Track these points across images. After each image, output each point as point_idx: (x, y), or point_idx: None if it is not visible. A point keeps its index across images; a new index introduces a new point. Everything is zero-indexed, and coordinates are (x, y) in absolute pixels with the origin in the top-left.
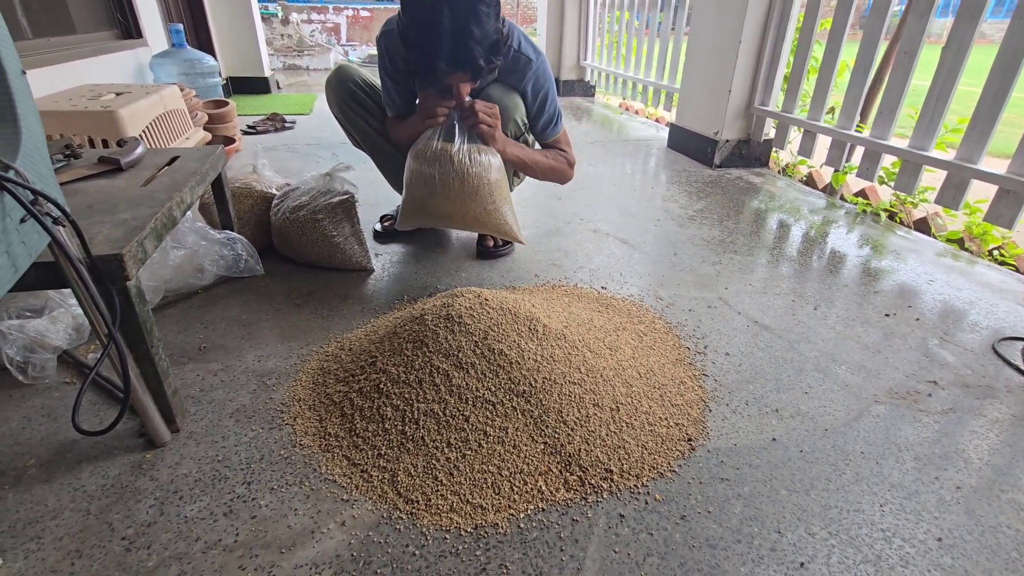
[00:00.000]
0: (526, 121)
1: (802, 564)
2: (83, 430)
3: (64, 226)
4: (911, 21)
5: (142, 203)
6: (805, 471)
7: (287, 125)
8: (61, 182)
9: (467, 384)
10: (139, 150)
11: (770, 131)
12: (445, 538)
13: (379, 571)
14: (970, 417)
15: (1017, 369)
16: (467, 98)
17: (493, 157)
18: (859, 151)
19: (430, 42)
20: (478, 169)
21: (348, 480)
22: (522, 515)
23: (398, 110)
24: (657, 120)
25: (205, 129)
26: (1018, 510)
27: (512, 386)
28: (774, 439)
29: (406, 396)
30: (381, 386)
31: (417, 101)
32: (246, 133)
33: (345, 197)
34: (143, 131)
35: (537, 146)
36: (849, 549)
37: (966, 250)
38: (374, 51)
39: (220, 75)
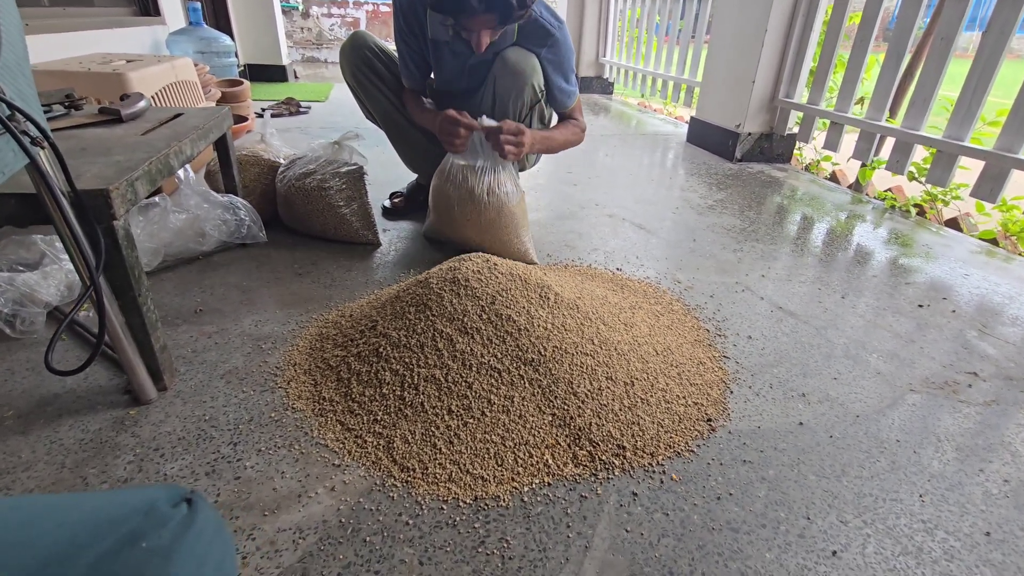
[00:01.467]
0: (543, 88)
1: (834, 552)
2: (54, 368)
3: (43, 147)
4: (948, 7)
5: (138, 148)
6: (836, 457)
7: (302, 110)
8: (57, 127)
9: (472, 350)
10: (141, 104)
11: (794, 126)
12: (442, 508)
13: (368, 539)
14: (1015, 410)
15: None
16: (489, 121)
17: (510, 184)
18: (888, 145)
19: None
20: (496, 202)
21: (341, 445)
22: (526, 489)
23: (414, 81)
24: (676, 118)
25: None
26: None
27: (520, 353)
28: (801, 423)
29: (406, 360)
30: (380, 350)
31: (438, 121)
32: (260, 116)
33: (354, 168)
34: (152, 97)
35: (553, 120)
36: (886, 539)
37: (1001, 248)
38: (393, 46)
39: (236, 56)
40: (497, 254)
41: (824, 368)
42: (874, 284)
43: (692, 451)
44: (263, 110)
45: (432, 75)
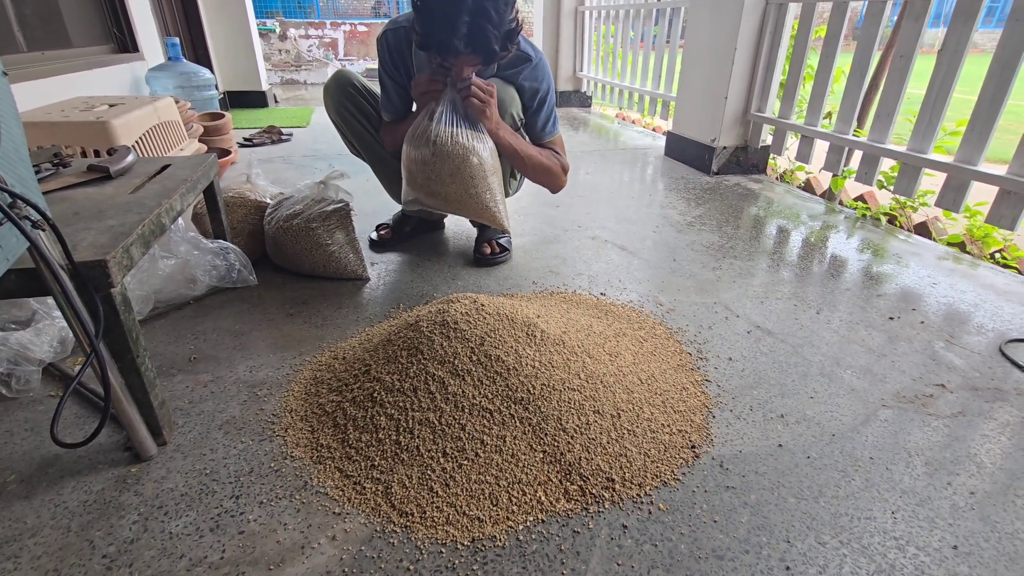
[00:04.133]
0: (522, 117)
1: (814, 575)
2: (62, 442)
3: (44, 230)
4: (906, 26)
5: (130, 210)
6: (813, 478)
7: (284, 137)
8: (48, 190)
9: (463, 391)
10: (129, 158)
11: (767, 137)
12: (441, 552)
13: None
14: (980, 420)
15: None
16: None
17: (477, 141)
18: (857, 155)
19: (449, 17)
20: (459, 151)
21: (340, 493)
22: (521, 527)
23: (396, 113)
24: (654, 130)
25: (201, 141)
26: None
27: (510, 393)
28: (780, 445)
29: (400, 405)
30: (375, 395)
31: (412, 82)
32: (243, 146)
33: (340, 205)
34: (136, 142)
35: None
36: (862, 559)
37: (968, 253)
38: (372, 65)
39: (217, 88)
40: (466, 211)
41: (801, 387)
42: (847, 298)
43: (678, 479)
44: (245, 139)
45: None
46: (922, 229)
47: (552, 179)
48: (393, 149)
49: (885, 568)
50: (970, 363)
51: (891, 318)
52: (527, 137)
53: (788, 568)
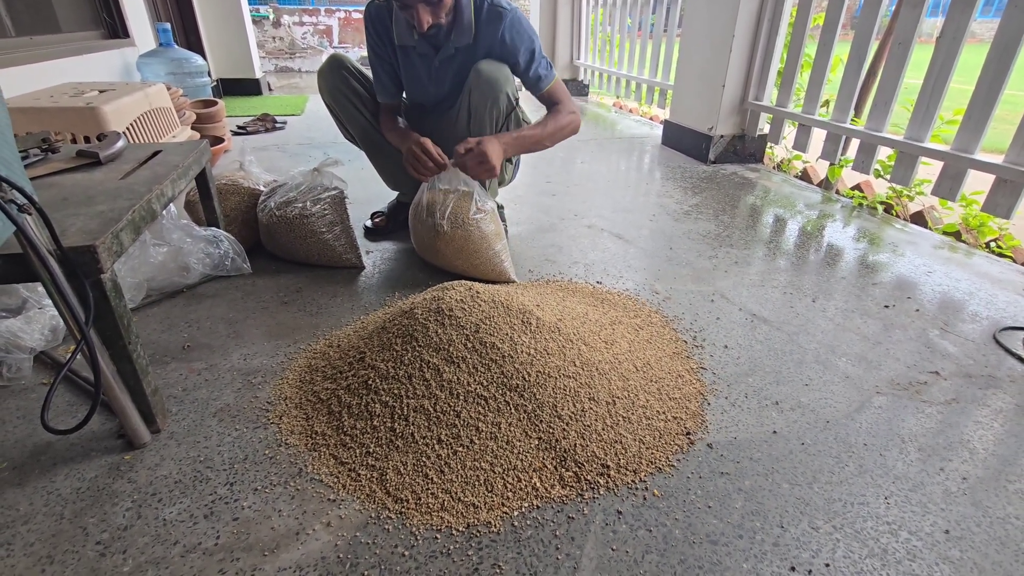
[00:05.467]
0: (517, 96)
1: (807, 559)
2: (53, 428)
3: (30, 214)
4: (904, 13)
5: (120, 195)
6: (807, 464)
7: (278, 125)
8: (36, 176)
9: (458, 379)
10: (119, 144)
11: (765, 126)
12: (436, 538)
13: (366, 573)
14: (973, 407)
15: (1019, 358)
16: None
17: (477, 210)
18: (855, 144)
19: None
20: (463, 232)
21: (335, 479)
22: (516, 513)
23: (388, 95)
24: (651, 118)
25: (193, 129)
26: None
27: (505, 380)
28: (775, 432)
29: (395, 392)
30: (370, 382)
31: (405, 147)
32: (236, 134)
33: (334, 193)
34: (127, 128)
35: (530, 122)
36: (854, 543)
37: (963, 242)
38: (366, 53)
39: (209, 75)
40: (475, 275)
41: (796, 375)
42: (843, 286)
43: (672, 466)
44: (239, 127)
45: (404, 89)
46: (918, 218)
47: (566, 133)
48: (389, 136)
49: (877, 552)
50: (964, 351)
51: (886, 306)
52: (524, 115)
53: (783, 554)
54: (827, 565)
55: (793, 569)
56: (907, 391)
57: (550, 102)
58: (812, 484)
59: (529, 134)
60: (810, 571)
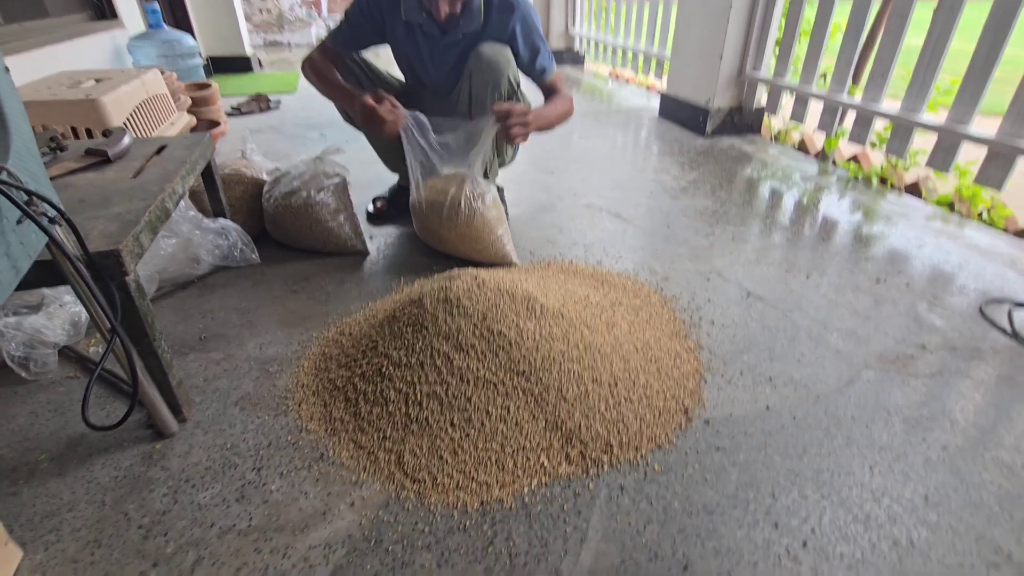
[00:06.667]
0: (518, 79)
1: (796, 526)
2: (94, 425)
3: (60, 224)
4: None
5: (134, 196)
6: (798, 437)
7: (272, 105)
8: (51, 177)
9: (468, 365)
10: (126, 140)
11: (762, 98)
12: (452, 515)
13: (390, 548)
14: (957, 379)
15: (1003, 331)
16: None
17: (479, 202)
18: (851, 115)
19: None
20: (464, 216)
21: (356, 463)
22: (526, 490)
23: (343, 44)
24: (648, 88)
25: (189, 113)
26: (1001, 467)
27: (512, 366)
28: (768, 407)
29: (408, 379)
30: (383, 370)
31: (357, 106)
32: (231, 115)
33: (337, 181)
34: (127, 118)
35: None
36: (840, 510)
37: (956, 212)
38: (347, 8)
39: (200, 56)
40: (478, 259)
41: (789, 351)
42: (837, 261)
43: (672, 442)
44: (233, 107)
45: (403, 66)
46: (914, 188)
47: (567, 119)
48: (308, 74)
49: (861, 518)
50: (951, 324)
51: (878, 281)
52: (523, 99)
53: (775, 522)
54: (813, 531)
55: (783, 535)
56: (894, 365)
57: (550, 91)
58: (802, 456)
59: (547, 113)
60: (798, 537)
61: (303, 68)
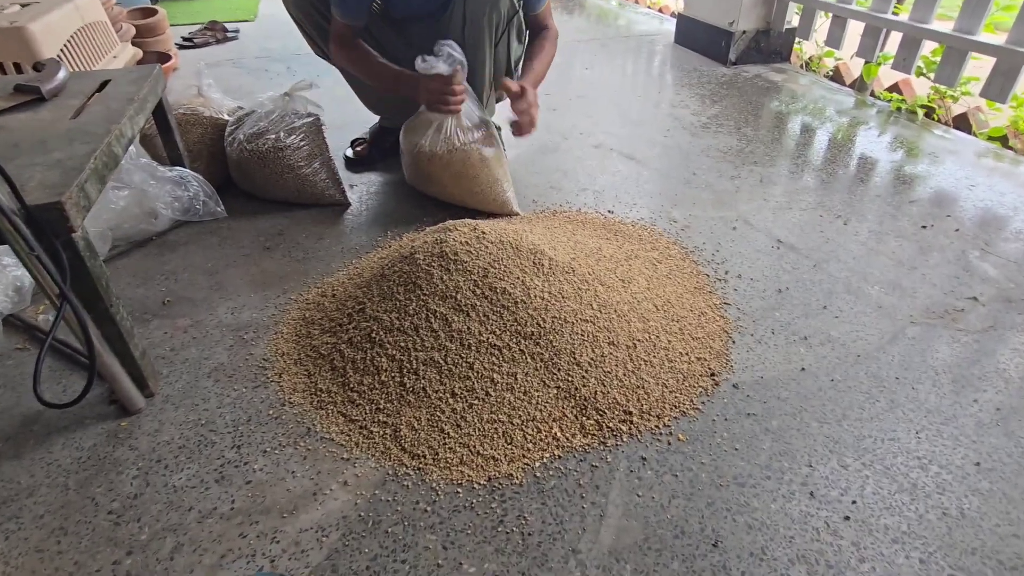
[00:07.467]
0: None
1: (836, 497)
2: (48, 402)
3: None
4: None
5: (75, 139)
6: (837, 401)
7: (229, 35)
8: None
9: (469, 328)
10: (61, 74)
11: (793, 19)
12: (457, 492)
13: (390, 530)
14: (1012, 334)
15: None
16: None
17: (477, 133)
18: (895, 39)
19: None
20: (460, 155)
21: (347, 438)
22: (537, 464)
23: (354, 16)
24: (661, 10)
25: (134, 44)
26: None
27: (519, 328)
28: (803, 369)
29: (402, 345)
30: (373, 335)
31: (422, 86)
32: (182, 47)
33: (309, 120)
34: (61, 50)
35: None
36: (884, 479)
37: (1010, 148)
38: None
39: None
40: (474, 205)
41: (826, 306)
42: (877, 205)
43: (697, 409)
44: (184, 39)
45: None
46: (962, 122)
47: (552, 60)
48: (344, 67)
49: (907, 487)
50: (1005, 273)
51: (923, 226)
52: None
53: (812, 493)
54: (854, 503)
55: (821, 507)
56: (942, 319)
57: (539, 24)
58: (842, 421)
59: (540, 70)
60: (838, 509)
61: (336, 63)
